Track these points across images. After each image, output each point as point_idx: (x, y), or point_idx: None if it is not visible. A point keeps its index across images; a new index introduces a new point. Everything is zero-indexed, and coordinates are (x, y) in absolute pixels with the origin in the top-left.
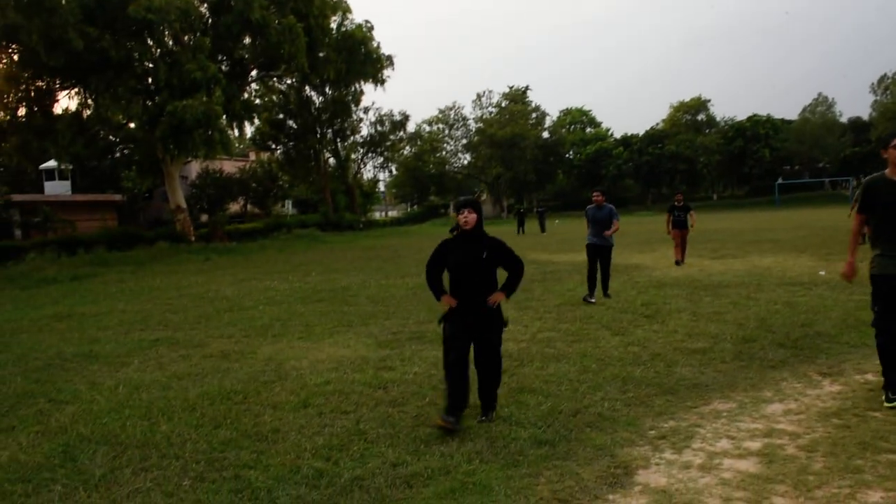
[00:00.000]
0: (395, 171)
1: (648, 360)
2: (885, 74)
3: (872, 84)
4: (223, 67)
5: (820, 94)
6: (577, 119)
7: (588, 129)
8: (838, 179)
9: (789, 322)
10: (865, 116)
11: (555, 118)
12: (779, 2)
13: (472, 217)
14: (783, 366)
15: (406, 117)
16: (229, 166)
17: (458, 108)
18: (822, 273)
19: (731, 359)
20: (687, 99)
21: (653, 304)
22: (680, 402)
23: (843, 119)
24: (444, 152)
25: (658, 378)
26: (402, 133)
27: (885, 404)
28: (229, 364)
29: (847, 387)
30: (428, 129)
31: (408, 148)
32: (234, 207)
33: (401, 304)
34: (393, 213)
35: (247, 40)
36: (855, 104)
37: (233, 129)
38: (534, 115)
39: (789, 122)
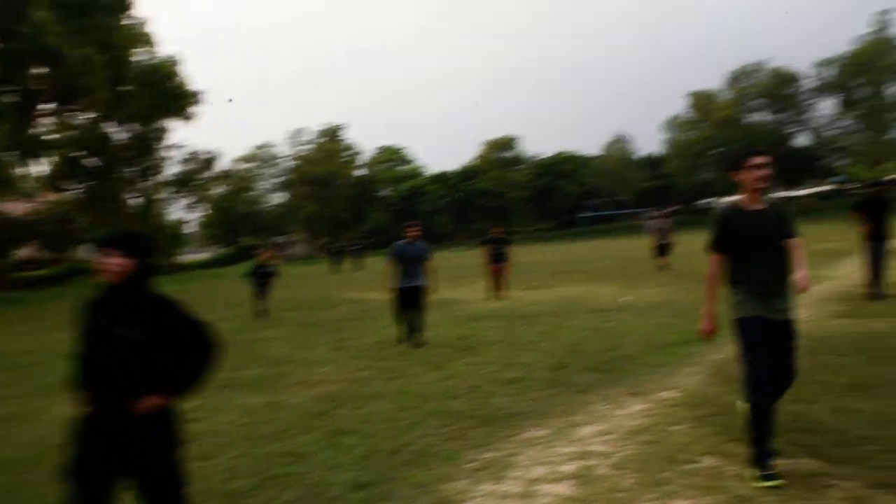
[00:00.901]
0: (207, 211)
1: (466, 393)
2: (677, 115)
3: (663, 123)
4: (11, 98)
5: (618, 132)
6: (391, 157)
7: (402, 167)
8: (638, 211)
9: (597, 347)
10: (658, 152)
11: (370, 156)
12: (581, 43)
13: (118, 263)
14: (593, 389)
15: (215, 155)
16: (20, 207)
17: (273, 145)
18: (625, 299)
19: (545, 386)
20: (497, 137)
21: (469, 337)
22: (498, 432)
23: (640, 155)
24: (257, 191)
25: (476, 410)
26: (212, 172)
27: (753, 484)
28: (11, 428)
29: (651, 404)
30: (242, 167)
31: (220, 187)
32: (26, 252)
33: None
34: (204, 255)
35: (40, 69)
36: (650, 141)
37: (18, 167)
38: (348, 152)
39: (593, 157)
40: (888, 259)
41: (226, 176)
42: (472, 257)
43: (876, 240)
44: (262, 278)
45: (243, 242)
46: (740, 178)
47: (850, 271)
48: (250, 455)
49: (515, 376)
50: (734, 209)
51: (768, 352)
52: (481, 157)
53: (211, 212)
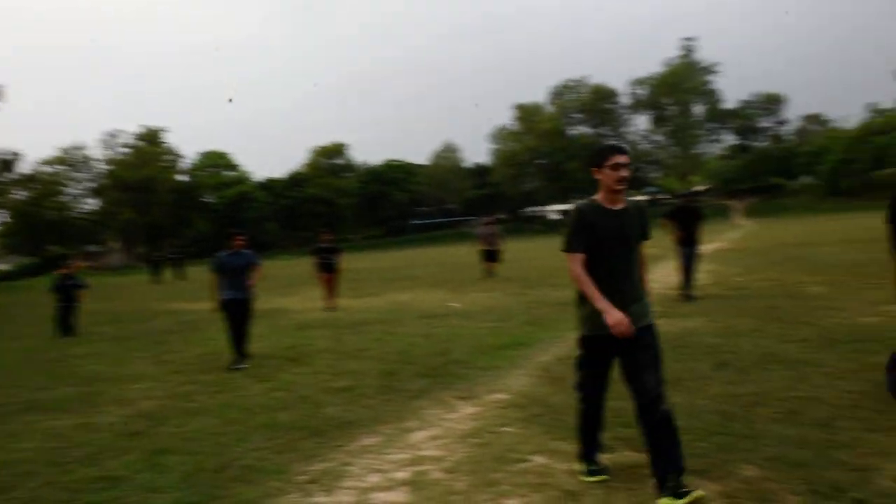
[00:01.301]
0: (6, 219)
1: (295, 404)
2: (504, 126)
3: (490, 134)
4: None
5: (447, 141)
6: (215, 162)
7: (227, 173)
8: (466, 218)
9: (428, 353)
10: (485, 162)
11: (192, 161)
12: (413, 53)
13: None
14: (424, 394)
15: (15, 156)
16: None
17: (84, 147)
18: (454, 305)
19: (376, 393)
20: (326, 143)
21: (297, 346)
22: (329, 442)
23: (468, 165)
24: (65, 196)
25: (305, 421)
26: (12, 174)
27: (581, 478)
28: None
29: (482, 407)
30: (49, 170)
31: (23, 191)
32: None
33: (10, 371)
34: (3, 266)
35: None
36: (477, 150)
37: None
38: (169, 156)
39: (423, 166)
40: (698, 263)
41: (29, 179)
42: (302, 266)
43: (687, 245)
44: (68, 291)
45: (50, 252)
46: (600, 176)
47: (665, 275)
48: (57, 483)
49: (346, 385)
50: (592, 207)
51: (607, 371)
52: (310, 163)
53: (11, 219)
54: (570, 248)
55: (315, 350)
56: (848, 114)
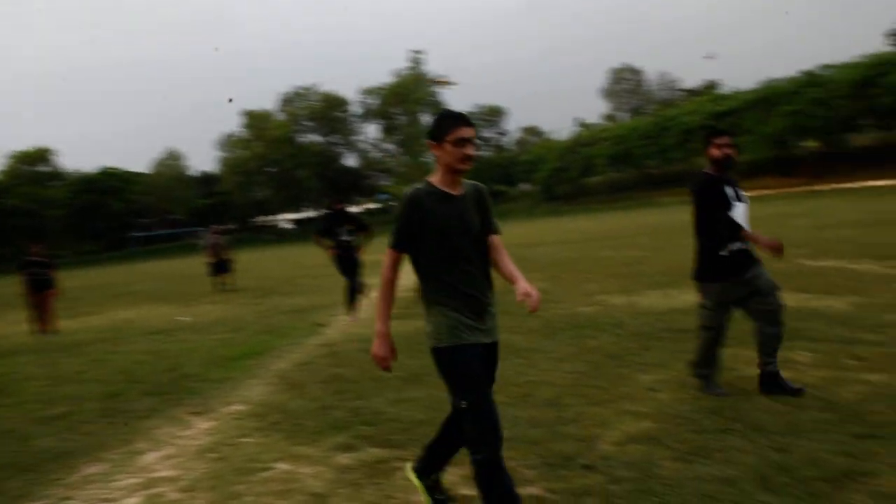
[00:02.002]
0: None
1: None
2: (229, 133)
3: (217, 141)
4: None
5: (170, 148)
6: None
7: None
8: (194, 229)
9: (156, 370)
10: (213, 170)
11: None
12: (134, 55)
13: None
14: (154, 414)
15: None
16: None
17: None
18: (183, 319)
19: (98, 418)
20: (28, 148)
21: None
22: (43, 477)
23: (195, 172)
24: None
25: (12, 457)
26: None
27: (410, 476)
28: None
29: (218, 421)
30: None
31: None
32: None
33: None
34: None
35: None
36: (203, 158)
37: None
38: None
39: (143, 174)
40: None
41: None
42: (5, 285)
43: None
44: None
45: None
46: (439, 152)
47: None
48: None
49: (61, 412)
50: (429, 192)
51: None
52: (7, 170)
53: None
54: (394, 244)
55: (21, 378)
56: (560, 127)
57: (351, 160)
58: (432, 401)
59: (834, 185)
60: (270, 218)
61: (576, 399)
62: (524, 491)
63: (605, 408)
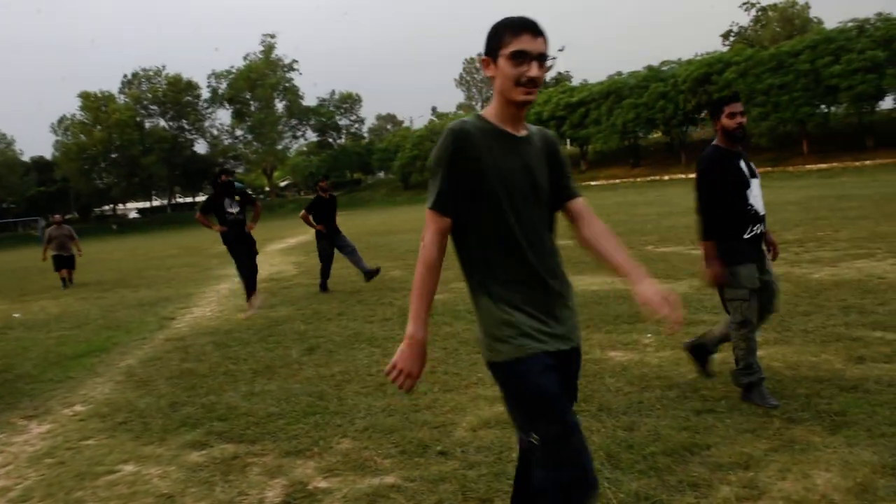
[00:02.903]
0: None
1: None
2: (65, 115)
3: (53, 124)
4: None
5: None
6: None
7: None
8: (28, 220)
9: None
10: (48, 156)
11: None
12: None
13: None
14: None
15: None
16: None
17: None
18: (17, 315)
19: None
20: None
21: None
22: None
23: (26, 158)
24: None
25: None
26: None
27: None
28: None
29: (57, 424)
30: None
31: None
32: None
33: None
34: None
35: None
36: (37, 144)
37: None
38: None
39: None
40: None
41: None
42: None
43: (327, 238)
44: None
45: None
46: (495, 72)
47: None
48: None
49: None
50: (481, 127)
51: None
52: None
53: None
54: (433, 201)
55: None
56: (419, 115)
57: (201, 147)
58: (286, 393)
59: (676, 175)
60: (115, 207)
61: (431, 386)
62: (380, 481)
63: (459, 394)
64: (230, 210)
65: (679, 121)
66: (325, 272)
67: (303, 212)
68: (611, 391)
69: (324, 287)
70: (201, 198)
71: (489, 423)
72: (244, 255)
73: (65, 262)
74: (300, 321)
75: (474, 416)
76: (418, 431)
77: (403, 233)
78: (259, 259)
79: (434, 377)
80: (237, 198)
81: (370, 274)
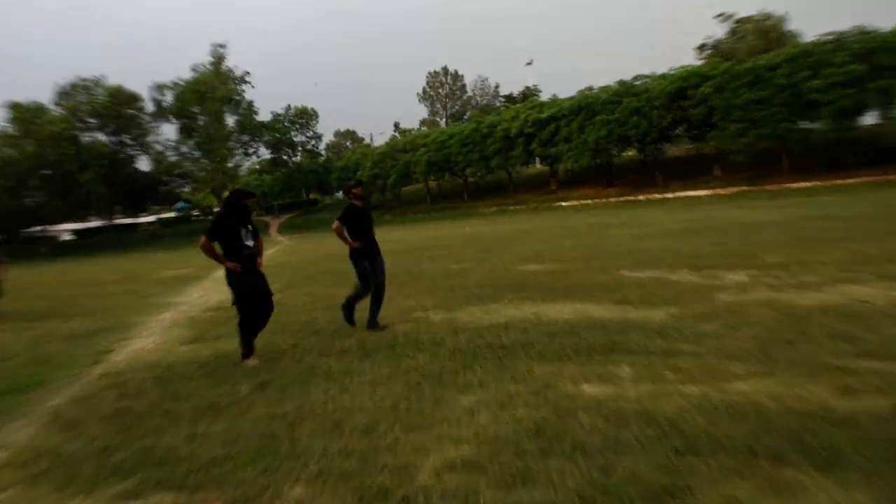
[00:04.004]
0: None
1: None
2: None
3: None
4: None
5: None
6: None
7: None
8: None
9: None
10: None
11: None
12: None
13: None
14: None
15: None
16: None
17: None
18: None
19: None
20: None
21: None
22: None
23: None
24: None
25: None
26: None
27: None
28: None
29: None
30: None
31: None
32: None
33: None
34: None
35: None
36: None
37: None
38: None
39: None
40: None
41: None
42: None
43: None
44: None
45: None
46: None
47: (199, 296)
48: None
49: None
50: None
51: None
52: None
53: None
54: None
55: None
56: (380, 131)
57: (144, 164)
58: (231, 433)
59: (651, 195)
60: (46, 228)
61: (391, 425)
62: None
63: (423, 433)
64: (247, 243)
65: (653, 137)
66: (360, 294)
67: (336, 223)
68: (585, 428)
69: (349, 312)
70: (146, 218)
71: (455, 466)
72: (257, 301)
73: None
74: None
75: (439, 458)
76: (378, 475)
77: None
78: (206, 286)
79: (395, 415)
80: (250, 227)
81: (375, 327)
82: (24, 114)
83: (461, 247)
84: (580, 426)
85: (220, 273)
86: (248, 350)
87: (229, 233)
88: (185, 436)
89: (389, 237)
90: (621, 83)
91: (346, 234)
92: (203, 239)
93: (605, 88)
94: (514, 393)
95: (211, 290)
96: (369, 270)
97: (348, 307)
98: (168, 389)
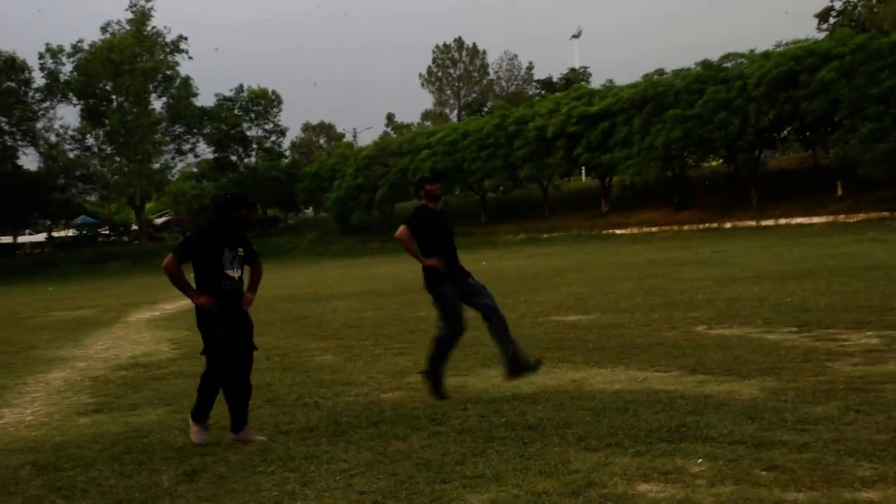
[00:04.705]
0: None
1: None
2: None
3: None
4: None
5: None
6: None
7: None
8: None
9: None
10: None
11: None
12: None
13: None
14: None
15: None
16: None
17: None
18: None
19: None
20: None
21: None
22: None
23: None
24: None
25: None
26: None
27: None
28: None
29: None
30: None
31: None
32: None
33: None
34: None
35: None
36: None
37: None
38: None
39: None
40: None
41: None
42: None
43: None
44: None
45: None
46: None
47: (105, 348)
48: None
49: None
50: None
51: None
52: None
53: None
54: None
55: None
56: (366, 126)
57: (31, 160)
58: None
59: (743, 222)
60: None
61: None
62: None
63: None
64: (229, 271)
65: (749, 142)
66: (447, 337)
67: (401, 228)
68: None
69: (437, 379)
70: (32, 238)
71: None
72: (236, 349)
73: None
74: (177, 430)
75: None
76: None
77: (339, 298)
78: (116, 333)
79: None
80: (240, 250)
81: (523, 368)
82: None
83: None
84: None
85: (137, 316)
86: (201, 413)
87: (207, 255)
88: None
89: (375, 273)
90: (705, 65)
91: (415, 247)
92: (169, 258)
93: (680, 73)
94: (543, 491)
95: (123, 339)
96: (457, 299)
97: (434, 368)
98: (55, 480)
